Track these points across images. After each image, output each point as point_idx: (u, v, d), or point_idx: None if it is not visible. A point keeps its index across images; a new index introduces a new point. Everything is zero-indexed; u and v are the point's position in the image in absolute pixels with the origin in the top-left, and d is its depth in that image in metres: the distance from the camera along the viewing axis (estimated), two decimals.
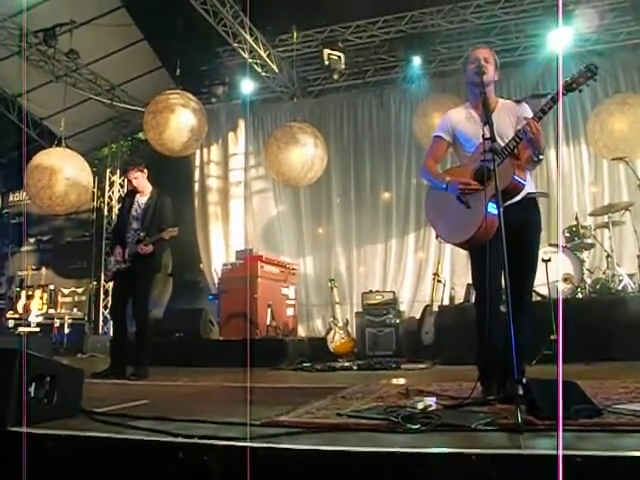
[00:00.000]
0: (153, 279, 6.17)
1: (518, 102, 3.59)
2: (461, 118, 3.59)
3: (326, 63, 9.24)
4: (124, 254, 5.86)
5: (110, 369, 5.74)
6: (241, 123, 11.36)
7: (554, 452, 1.86)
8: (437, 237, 3.70)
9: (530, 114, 3.51)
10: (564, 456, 1.79)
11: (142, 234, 5.83)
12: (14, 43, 9.02)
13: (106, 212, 12.22)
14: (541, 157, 3.31)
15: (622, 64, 9.14)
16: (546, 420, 2.32)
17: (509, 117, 3.46)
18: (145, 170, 6.12)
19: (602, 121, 8.11)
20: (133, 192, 6.18)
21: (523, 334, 2.91)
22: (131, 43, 9.61)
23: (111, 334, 6.07)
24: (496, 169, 2.94)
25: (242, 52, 9.22)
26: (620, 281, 6.86)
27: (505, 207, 2.97)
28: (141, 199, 6.07)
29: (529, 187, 3.43)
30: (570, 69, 9.20)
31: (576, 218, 7.46)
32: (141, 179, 6.08)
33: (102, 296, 11.87)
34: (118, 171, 12.32)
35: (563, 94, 3.15)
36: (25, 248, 12.60)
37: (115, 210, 12.16)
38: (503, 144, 3.22)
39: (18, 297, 11.18)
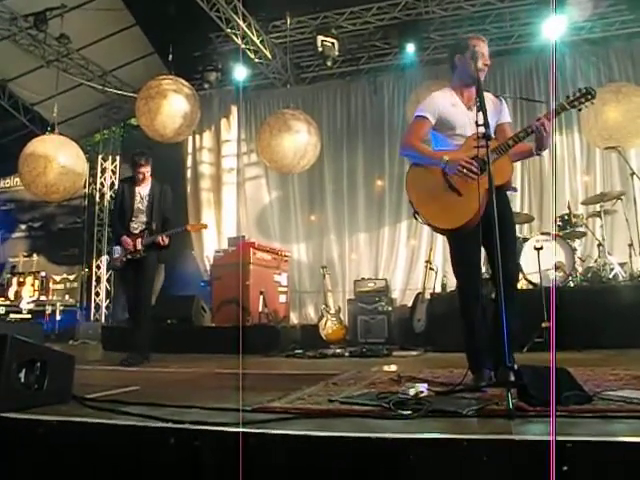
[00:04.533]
0: (159, 268, 6.32)
1: (497, 97, 3.61)
2: (447, 103, 3.55)
3: (319, 50, 9.18)
4: (135, 244, 5.92)
5: (136, 356, 5.74)
6: (234, 109, 11.32)
7: (545, 438, 1.87)
8: (414, 215, 3.59)
9: (508, 114, 3.62)
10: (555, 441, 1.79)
11: (154, 225, 5.97)
12: (4, 27, 8.91)
13: (98, 199, 12.18)
14: (542, 154, 3.38)
15: (616, 53, 9.14)
16: (537, 406, 2.33)
17: (492, 109, 3.46)
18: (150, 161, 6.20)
19: (596, 110, 8.08)
20: (132, 181, 6.16)
21: (509, 320, 2.91)
22: (123, 28, 9.50)
23: (132, 323, 6.15)
24: (489, 158, 2.93)
25: (235, 38, 9.16)
26: (611, 270, 6.90)
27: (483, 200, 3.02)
28: (143, 190, 6.11)
29: None
30: (564, 57, 9.16)
31: (568, 207, 7.48)
32: (149, 173, 6.15)
33: (94, 283, 11.86)
34: (110, 157, 12.28)
35: (559, 113, 3.20)
36: (16, 234, 12.54)
37: (107, 197, 12.13)
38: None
39: (9, 284, 11.14)
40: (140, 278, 5.98)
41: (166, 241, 5.90)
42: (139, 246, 5.92)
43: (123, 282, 6.12)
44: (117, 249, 6.05)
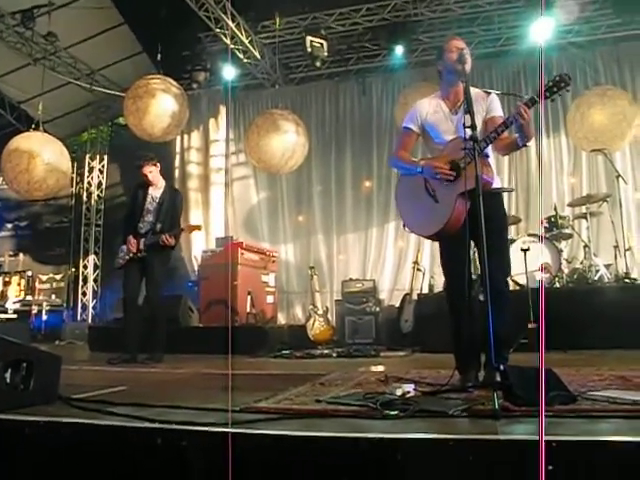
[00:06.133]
0: (165, 269, 6.39)
1: (487, 93, 3.60)
2: (430, 110, 3.61)
3: (308, 50, 9.19)
4: (138, 244, 6.06)
5: (124, 355, 5.86)
6: (222, 109, 11.31)
7: (530, 437, 1.89)
8: (404, 226, 3.74)
9: (499, 107, 3.55)
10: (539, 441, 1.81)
11: (159, 226, 6.10)
12: None
13: (85, 198, 12.11)
14: (528, 144, 3.33)
15: (602, 56, 9.24)
16: (523, 406, 2.35)
17: (478, 107, 3.45)
18: (158, 164, 6.35)
19: (582, 113, 8.18)
20: (145, 185, 6.32)
21: (499, 321, 2.92)
22: (111, 27, 9.43)
23: (124, 321, 6.31)
24: (477, 158, 2.95)
25: (224, 38, 9.14)
26: (597, 271, 6.95)
27: (471, 202, 3.07)
28: (155, 192, 6.29)
29: (495, 183, 3.46)
30: (552, 60, 9.20)
31: (555, 208, 7.53)
32: (155, 173, 6.31)
33: (81, 283, 11.80)
34: (97, 156, 12.22)
35: (536, 102, 3.16)
36: (2, 233, 12.44)
37: (94, 196, 12.08)
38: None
39: None
40: (148, 281, 6.14)
41: (171, 241, 5.99)
42: (142, 246, 6.06)
43: (124, 281, 6.19)
44: (123, 248, 6.19)
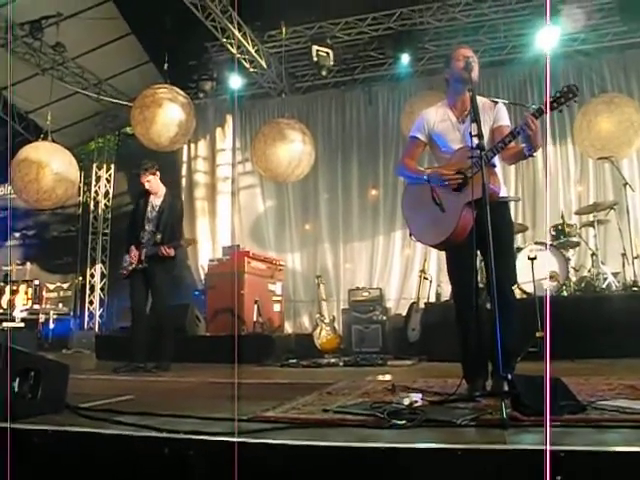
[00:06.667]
0: (169, 278, 6.43)
1: (494, 102, 3.60)
2: (437, 119, 3.61)
3: (315, 59, 9.22)
4: (140, 255, 6.08)
5: (131, 364, 5.89)
6: (229, 119, 11.35)
7: (538, 447, 1.88)
8: (410, 235, 3.75)
9: (506, 117, 3.55)
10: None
11: (159, 237, 6.10)
12: None
13: (92, 207, 12.16)
14: (534, 154, 3.32)
15: (609, 64, 9.23)
16: (531, 416, 2.34)
17: (486, 117, 3.45)
18: (157, 172, 6.37)
19: (589, 121, 8.17)
20: (147, 193, 6.35)
21: (506, 330, 2.90)
22: (118, 37, 9.52)
23: (131, 330, 6.35)
24: (484, 167, 2.95)
25: (230, 47, 9.18)
26: (605, 279, 6.92)
27: (478, 211, 3.08)
28: (155, 201, 6.32)
29: (502, 192, 3.46)
30: (558, 68, 9.21)
31: (562, 216, 7.51)
32: (154, 182, 6.33)
33: (88, 291, 11.82)
34: (105, 166, 12.27)
35: (543, 113, 3.16)
36: (10, 243, 12.49)
37: (101, 205, 12.13)
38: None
39: (2, 292, 11.08)
40: (153, 292, 6.18)
41: (170, 252, 6.01)
42: (142, 257, 6.07)
43: (130, 291, 6.21)
44: (126, 258, 6.22)
